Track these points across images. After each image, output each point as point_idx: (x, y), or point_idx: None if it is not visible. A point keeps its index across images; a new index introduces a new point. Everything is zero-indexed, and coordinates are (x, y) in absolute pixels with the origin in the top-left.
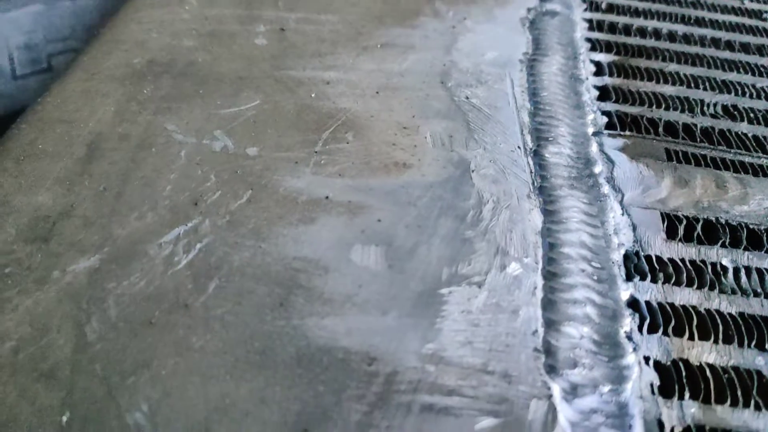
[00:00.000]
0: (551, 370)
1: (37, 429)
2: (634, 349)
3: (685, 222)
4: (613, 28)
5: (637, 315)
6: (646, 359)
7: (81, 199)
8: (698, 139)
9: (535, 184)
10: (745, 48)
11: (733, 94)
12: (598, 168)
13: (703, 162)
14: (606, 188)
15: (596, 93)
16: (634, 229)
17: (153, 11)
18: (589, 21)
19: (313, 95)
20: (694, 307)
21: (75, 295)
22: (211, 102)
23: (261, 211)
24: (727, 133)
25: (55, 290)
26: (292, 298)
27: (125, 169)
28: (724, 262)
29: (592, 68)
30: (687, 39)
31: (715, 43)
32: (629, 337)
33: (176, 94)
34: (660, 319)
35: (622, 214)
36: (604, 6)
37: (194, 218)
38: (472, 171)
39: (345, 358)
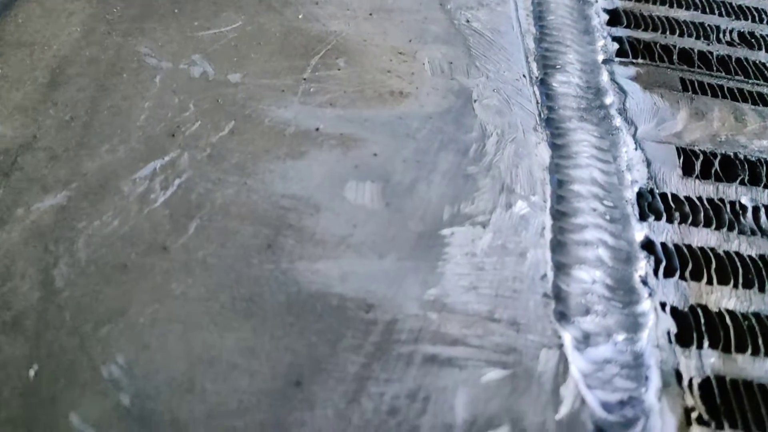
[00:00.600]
0: (562, 317)
1: (2, 385)
2: (650, 295)
3: (702, 157)
4: None
5: (652, 257)
6: (663, 305)
7: (45, 130)
8: (715, 68)
9: (542, 115)
10: None
11: (750, 20)
12: (610, 99)
13: (720, 93)
14: (618, 121)
15: (606, 17)
16: (648, 164)
17: None
18: None
19: (300, 16)
20: (712, 249)
21: (41, 235)
22: (188, 23)
23: (245, 144)
24: (745, 62)
25: (19, 230)
26: (280, 239)
27: (94, 97)
28: (743, 200)
29: None
30: None
31: None
32: (644, 282)
33: (149, 13)
34: (676, 262)
35: (636, 149)
36: None
37: (171, 151)
38: (475, 101)
39: (340, 306)
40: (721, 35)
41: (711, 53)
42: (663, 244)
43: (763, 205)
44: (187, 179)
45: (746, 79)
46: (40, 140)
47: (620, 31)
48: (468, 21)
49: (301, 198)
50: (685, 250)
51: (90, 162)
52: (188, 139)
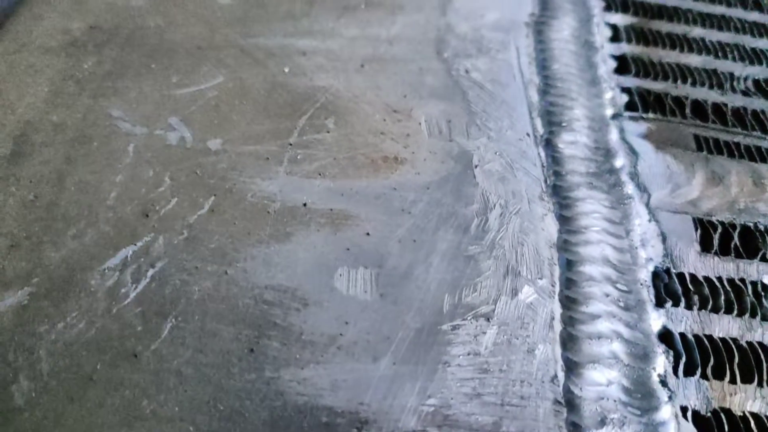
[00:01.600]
0: (575, 429)
1: None
2: (670, 398)
3: (720, 229)
4: None
5: (671, 352)
6: (684, 411)
7: (6, 212)
8: (730, 123)
9: (548, 181)
10: None
11: (764, 65)
12: (620, 161)
13: (736, 151)
14: (630, 187)
15: (613, 64)
16: (664, 239)
17: None
18: None
19: (286, 70)
20: (734, 340)
21: None
22: (165, 79)
23: (225, 224)
24: (761, 114)
25: None
26: (264, 341)
27: (60, 171)
28: (766, 280)
29: (608, 33)
30: None
31: (742, 1)
32: (663, 382)
33: (123, 70)
34: (697, 356)
35: (650, 221)
36: None
37: (145, 235)
38: (475, 166)
39: (330, 423)
40: (735, 83)
41: (725, 105)
42: (682, 335)
43: None
44: (162, 269)
45: (764, 135)
46: (0, 225)
47: (629, 81)
48: (467, 71)
49: (287, 290)
50: (706, 341)
51: (54, 251)
52: (163, 219)
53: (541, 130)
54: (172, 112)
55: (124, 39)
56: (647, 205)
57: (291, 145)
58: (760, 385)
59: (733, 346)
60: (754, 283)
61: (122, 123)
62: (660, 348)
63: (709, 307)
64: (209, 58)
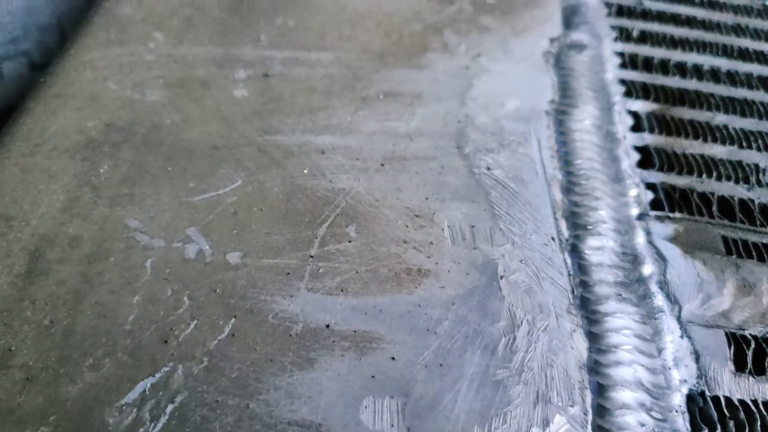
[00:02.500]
0: None
1: None
2: None
3: (753, 344)
4: (648, 65)
5: None
6: None
7: (21, 340)
8: (758, 221)
9: (575, 292)
10: None
11: None
12: (648, 268)
13: (766, 254)
14: (660, 299)
15: (636, 157)
16: (697, 358)
17: (110, 50)
18: (621, 55)
19: (305, 171)
20: None
21: None
22: (182, 184)
23: (247, 350)
24: None
25: None
26: None
27: (76, 292)
28: None
29: (630, 121)
30: (732, 78)
31: (764, 83)
32: None
33: (139, 174)
34: None
35: (682, 337)
36: (635, 34)
37: (164, 364)
38: (501, 277)
39: None
40: (761, 176)
41: (752, 201)
42: None
43: None
44: (181, 404)
45: None
46: (15, 355)
47: (653, 176)
48: (489, 168)
49: (312, 425)
50: None
51: (71, 385)
52: (183, 345)
53: (566, 233)
54: (190, 221)
55: (140, 139)
56: (678, 318)
57: (312, 257)
58: None
59: None
60: None
61: (140, 235)
62: None
63: None
64: (227, 159)
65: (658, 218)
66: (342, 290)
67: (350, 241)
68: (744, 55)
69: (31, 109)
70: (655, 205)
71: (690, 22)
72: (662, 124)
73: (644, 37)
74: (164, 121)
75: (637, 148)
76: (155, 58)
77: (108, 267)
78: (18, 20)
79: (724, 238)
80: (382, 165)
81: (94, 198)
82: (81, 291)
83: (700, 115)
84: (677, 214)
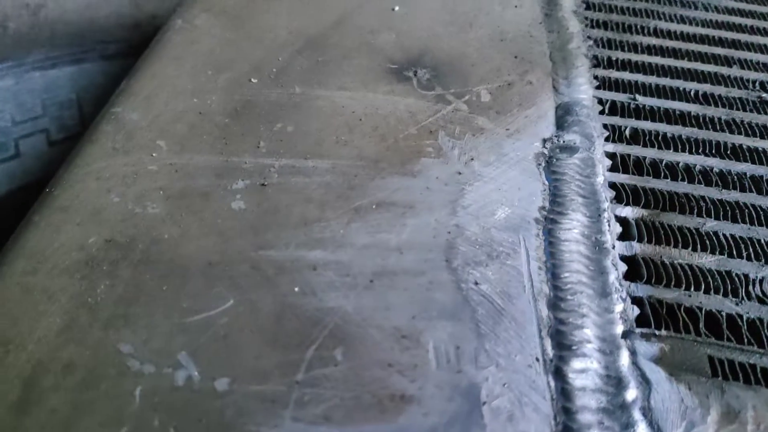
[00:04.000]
0: None
1: None
2: None
3: None
4: (639, 166)
5: None
6: None
7: None
8: (745, 339)
9: (558, 419)
10: None
11: None
12: (632, 393)
13: (753, 376)
14: (642, 427)
15: (624, 268)
16: None
17: (115, 160)
18: (613, 156)
19: (296, 289)
20: None
21: None
22: (176, 304)
23: None
24: None
25: None
26: None
27: (66, 422)
28: None
29: (618, 229)
30: (724, 180)
31: (756, 183)
32: None
33: (135, 294)
34: None
35: None
36: (628, 133)
37: None
38: (483, 403)
39: None
40: (750, 287)
41: (741, 317)
42: None
43: None
44: None
45: None
46: None
47: (640, 289)
48: (476, 283)
49: None
50: None
51: None
52: None
53: (550, 353)
54: (181, 345)
55: (138, 255)
56: None
57: (298, 383)
58: None
59: None
60: None
61: (131, 360)
62: None
63: None
64: (221, 277)
65: (644, 336)
66: (326, 419)
67: (336, 365)
68: (737, 153)
69: (36, 223)
70: (641, 320)
71: (683, 117)
72: (651, 232)
73: (636, 136)
74: (163, 235)
75: (625, 258)
76: (157, 168)
77: (99, 396)
78: (37, 98)
79: (710, 358)
80: (371, 281)
81: (90, 320)
82: (71, 422)
83: (690, 221)
84: (663, 332)
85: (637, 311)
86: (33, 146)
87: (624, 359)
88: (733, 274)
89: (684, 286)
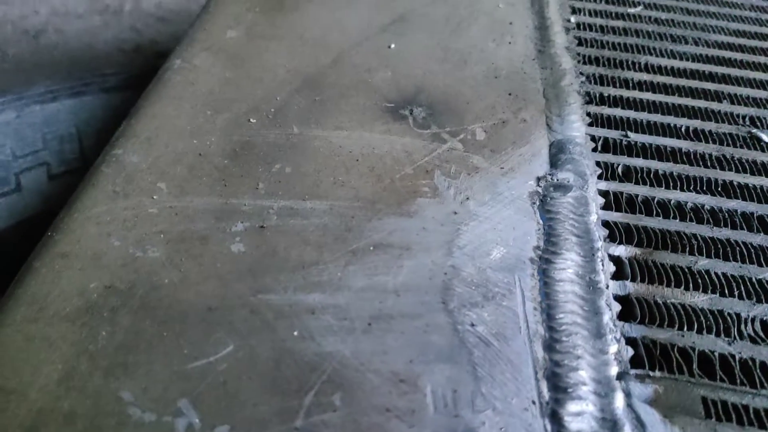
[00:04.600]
0: None
1: None
2: None
3: None
4: (631, 204)
5: None
6: None
7: None
8: (738, 380)
9: None
10: None
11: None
12: None
13: (745, 417)
14: None
15: (618, 308)
16: None
17: (116, 204)
18: (606, 194)
19: (295, 333)
20: None
21: None
22: (176, 351)
23: None
24: None
25: None
26: None
27: None
28: None
29: (612, 268)
30: (715, 217)
31: (746, 220)
32: None
33: (135, 341)
34: None
35: None
36: (620, 170)
37: None
38: None
39: None
40: (742, 326)
41: (733, 357)
42: None
43: None
44: None
45: None
46: None
47: (634, 330)
48: (473, 324)
49: None
50: None
51: None
52: None
53: (546, 395)
54: (181, 392)
55: (138, 301)
56: None
57: (297, 429)
58: None
59: None
60: None
61: (132, 409)
62: None
63: None
64: (220, 322)
65: (638, 377)
66: None
67: (335, 411)
68: (728, 189)
69: (36, 269)
70: (635, 361)
71: (674, 154)
72: (644, 270)
73: (628, 174)
74: (163, 280)
75: (619, 298)
76: (157, 211)
77: None
78: (38, 131)
79: (704, 400)
80: (369, 324)
81: (91, 368)
82: None
83: (682, 260)
84: (657, 373)
85: (631, 352)
86: (34, 180)
87: (619, 401)
88: (725, 313)
89: (677, 325)
